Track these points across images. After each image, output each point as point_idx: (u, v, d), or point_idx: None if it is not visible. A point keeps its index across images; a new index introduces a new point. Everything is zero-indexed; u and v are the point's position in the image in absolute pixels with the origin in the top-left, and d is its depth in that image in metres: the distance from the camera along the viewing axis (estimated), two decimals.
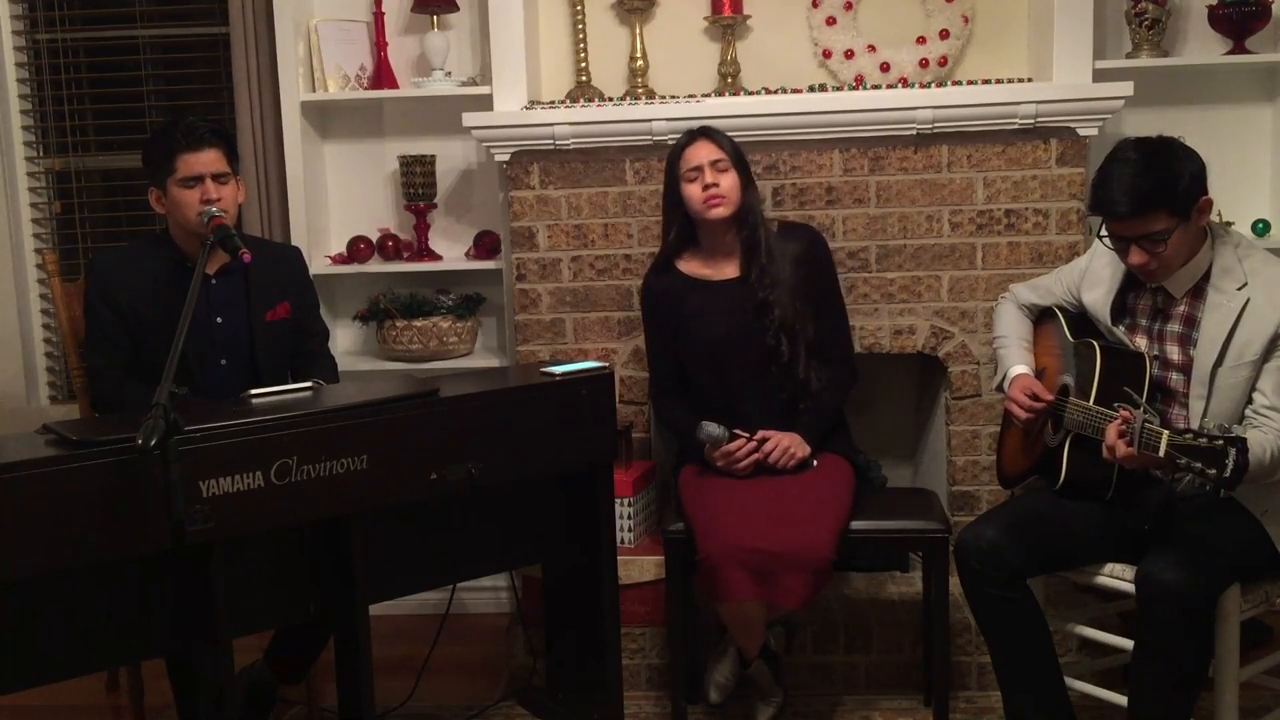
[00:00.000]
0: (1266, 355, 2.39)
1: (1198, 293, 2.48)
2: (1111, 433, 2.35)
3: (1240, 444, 2.12)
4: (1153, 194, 2.35)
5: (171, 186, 2.67)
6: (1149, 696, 2.41)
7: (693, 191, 2.89)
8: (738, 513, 2.72)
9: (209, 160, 2.67)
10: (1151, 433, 2.24)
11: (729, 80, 3.51)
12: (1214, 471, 2.13)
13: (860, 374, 3.06)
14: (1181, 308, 2.49)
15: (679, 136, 3.00)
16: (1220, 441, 2.13)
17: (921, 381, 3.62)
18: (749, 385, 2.92)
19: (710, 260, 2.99)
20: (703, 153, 2.90)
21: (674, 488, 3.06)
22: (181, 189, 2.66)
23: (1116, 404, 2.38)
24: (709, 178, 2.87)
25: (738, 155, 2.93)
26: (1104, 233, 2.46)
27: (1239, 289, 2.41)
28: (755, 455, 2.84)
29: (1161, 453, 2.21)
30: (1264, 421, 2.37)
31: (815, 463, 2.89)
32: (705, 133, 2.95)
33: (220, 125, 2.80)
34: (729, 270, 2.98)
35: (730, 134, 3.27)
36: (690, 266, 3.01)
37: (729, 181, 2.89)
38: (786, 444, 2.85)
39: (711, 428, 2.84)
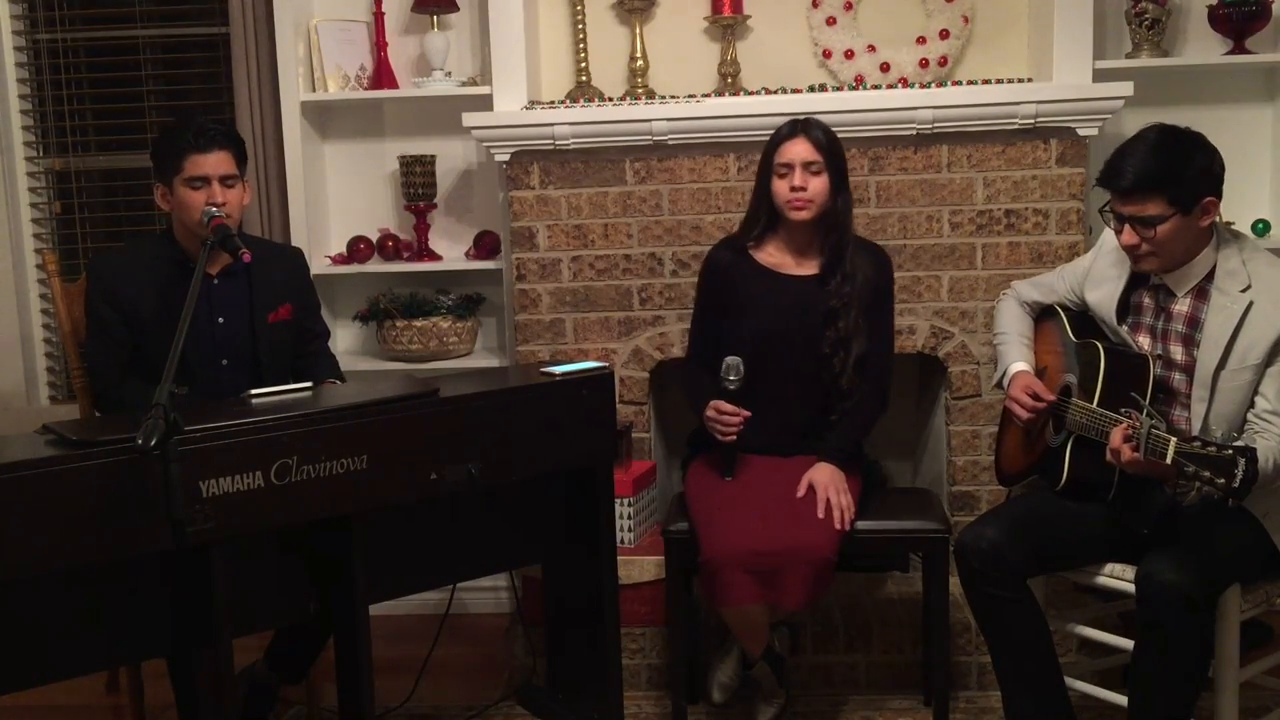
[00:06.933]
0: (1269, 360, 2.37)
1: (1201, 294, 2.47)
2: (1117, 436, 2.33)
3: (1250, 454, 2.10)
4: (1156, 175, 2.35)
5: (178, 185, 2.67)
6: (1149, 696, 2.40)
7: (780, 188, 2.83)
8: (742, 514, 2.71)
9: (217, 162, 2.66)
10: (1159, 439, 2.22)
11: (729, 80, 3.51)
12: (1223, 481, 2.11)
13: (888, 407, 3.01)
14: (1185, 308, 2.49)
15: (781, 124, 2.87)
16: (1229, 451, 2.11)
17: (921, 381, 3.61)
18: (786, 383, 2.88)
19: (787, 252, 2.93)
20: (799, 151, 2.81)
21: (680, 484, 3.05)
22: (187, 189, 2.66)
23: (1124, 409, 2.37)
24: (798, 179, 2.80)
25: (834, 157, 2.83)
26: (1108, 207, 2.46)
27: (1242, 291, 2.41)
28: (740, 429, 2.79)
29: (1169, 460, 2.18)
30: (1266, 427, 2.36)
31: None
32: (806, 129, 2.83)
33: (232, 127, 2.78)
34: (804, 267, 2.92)
35: (729, 134, 3.28)
36: (764, 254, 2.94)
37: (818, 186, 2.80)
38: (832, 488, 2.76)
39: (737, 362, 2.79)
